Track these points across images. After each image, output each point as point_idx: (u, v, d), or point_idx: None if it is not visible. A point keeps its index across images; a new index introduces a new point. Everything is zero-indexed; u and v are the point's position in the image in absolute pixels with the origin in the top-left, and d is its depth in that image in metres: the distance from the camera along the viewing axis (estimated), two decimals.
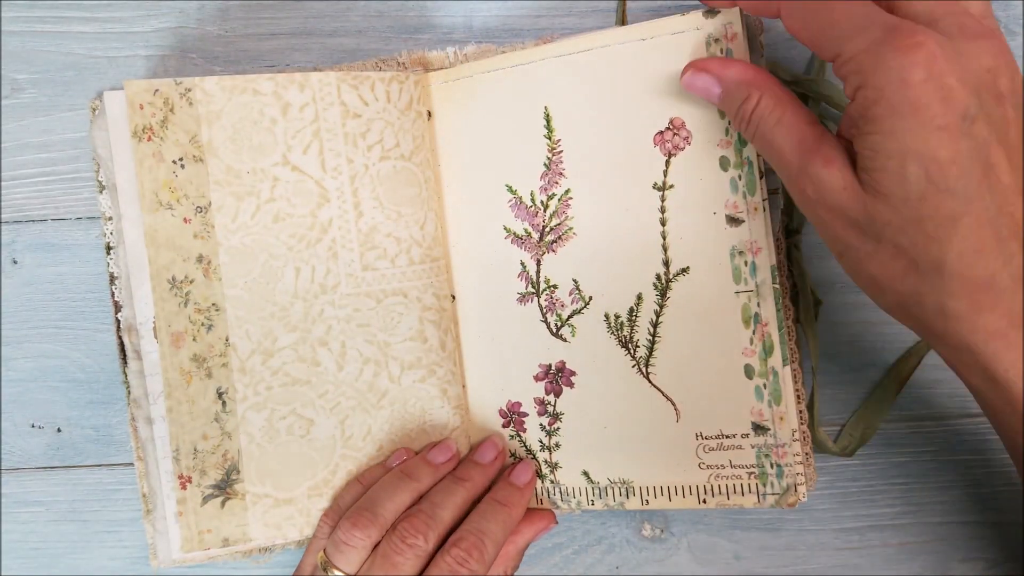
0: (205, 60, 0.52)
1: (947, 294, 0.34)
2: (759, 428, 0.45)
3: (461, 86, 0.49)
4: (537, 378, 0.49)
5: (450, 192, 0.50)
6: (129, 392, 0.48)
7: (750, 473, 0.45)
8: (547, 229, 0.48)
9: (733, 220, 0.44)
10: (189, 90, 0.46)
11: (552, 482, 0.49)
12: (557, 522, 0.49)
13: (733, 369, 0.45)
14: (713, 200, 0.44)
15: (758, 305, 0.44)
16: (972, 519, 0.52)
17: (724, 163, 0.44)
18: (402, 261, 0.48)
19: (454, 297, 0.50)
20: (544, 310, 0.49)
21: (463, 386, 0.50)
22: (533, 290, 0.49)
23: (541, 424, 0.49)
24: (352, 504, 0.46)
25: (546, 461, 0.49)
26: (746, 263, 0.44)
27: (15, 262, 0.52)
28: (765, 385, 0.44)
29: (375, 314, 0.48)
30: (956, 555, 0.52)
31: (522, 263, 0.49)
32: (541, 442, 0.49)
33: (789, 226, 0.50)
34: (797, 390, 0.48)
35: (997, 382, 0.35)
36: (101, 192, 0.48)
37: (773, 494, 0.44)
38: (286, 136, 0.47)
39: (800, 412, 0.49)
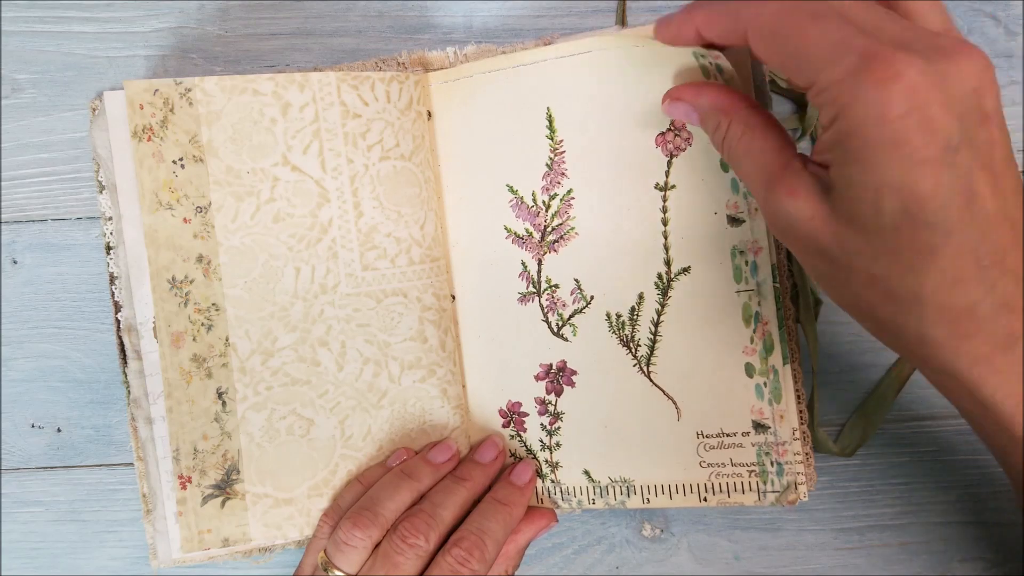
0: (205, 60, 0.52)
1: (926, 323, 0.33)
2: (759, 426, 0.45)
3: (461, 86, 0.49)
4: (538, 377, 0.49)
5: (450, 192, 0.50)
6: (129, 392, 0.48)
7: (751, 471, 0.45)
8: (549, 229, 0.48)
9: (734, 220, 0.44)
10: (189, 90, 0.46)
11: (553, 481, 0.49)
12: (557, 520, 0.49)
13: (734, 368, 0.45)
14: (714, 200, 0.44)
15: (759, 304, 0.44)
16: (972, 519, 0.52)
17: (724, 164, 0.44)
18: (402, 261, 0.48)
19: (454, 297, 0.50)
20: (545, 310, 0.48)
21: (463, 386, 0.50)
22: (534, 290, 0.49)
23: (542, 424, 0.49)
24: (353, 504, 0.46)
25: (547, 461, 0.49)
26: (747, 262, 0.44)
27: (15, 262, 0.52)
28: (766, 383, 0.45)
29: (375, 314, 0.48)
30: (956, 555, 0.52)
31: (523, 263, 0.49)
32: (542, 441, 0.49)
33: None
34: (797, 390, 0.48)
35: (985, 406, 0.34)
36: (101, 192, 0.48)
37: (773, 492, 0.45)
38: (286, 136, 0.47)
39: (800, 412, 0.49)
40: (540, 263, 0.48)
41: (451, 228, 0.50)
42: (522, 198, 0.48)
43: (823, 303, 0.51)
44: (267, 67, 0.52)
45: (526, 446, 0.50)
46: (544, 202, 0.48)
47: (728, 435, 0.45)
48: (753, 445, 0.45)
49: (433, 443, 0.49)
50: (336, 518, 0.46)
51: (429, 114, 0.50)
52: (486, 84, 0.48)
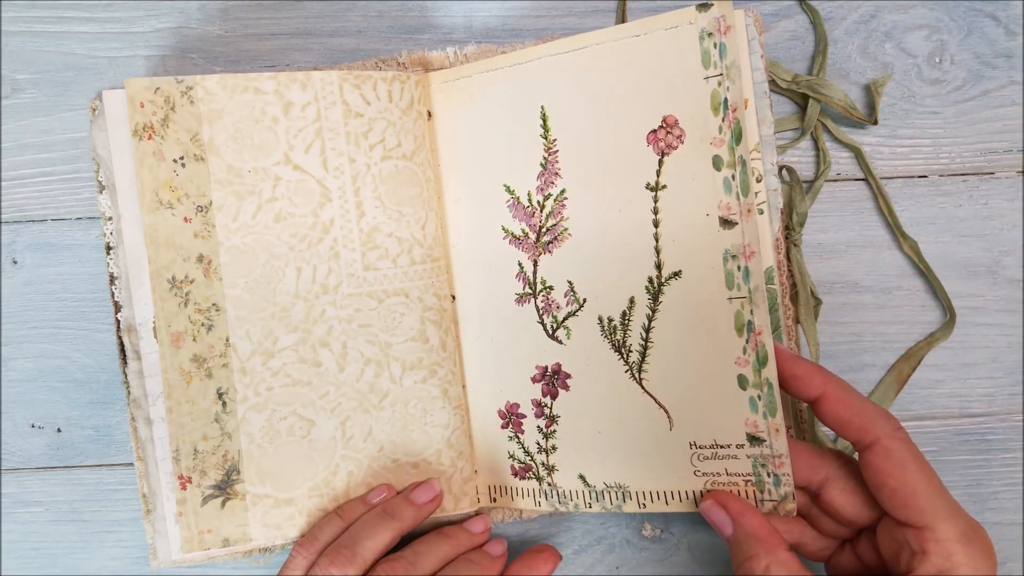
0: (205, 60, 0.52)
1: None
2: (754, 439, 0.43)
3: (460, 86, 0.49)
4: (534, 380, 0.49)
5: (450, 192, 0.50)
6: (129, 392, 0.48)
7: (747, 481, 0.44)
8: (543, 230, 0.48)
9: (726, 222, 0.43)
10: (190, 88, 0.46)
11: (549, 484, 0.49)
12: (561, 557, 0.49)
13: (726, 378, 0.43)
14: (706, 201, 0.43)
15: (751, 313, 0.42)
16: None
17: (717, 162, 0.43)
18: (403, 261, 0.48)
19: (454, 297, 0.50)
20: (540, 311, 0.48)
21: (463, 386, 0.50)
22: (530, 291, 0.48)
23: (538, 426, 0.49)
24: (331, 539, 0.46)
25: (543, 463, 0.49)
26: (739, 268, 0.43)
27: (15, 262, 0.52)
28: (760, 396, 0.43)
29: (376, 314, 0.48)
30: None
31: (520, 264, 0.48)
32: (538, 444, 0.49)
33: (789, 225, 0.50)
34: None
35: None
36: (101, 192, 0.48)
37: (771, 500, 0.43)
38: (288, 135, 0.47)
39: (800, 412, 0.49)
40: (536, 264, 0.48)
41: (451, 228, 0.50)
42: (518, 198, 0.48)
43: (823, 303, 0.51)
44: (267, 67, 0.52)
45: (523, 448, 0.49)
46: (539, 202, 0.48)
47: (722, 447, 0.44)
48: (748, 457, 0.44)
49: (416, 483, 0.49)
50: (310, 551, 0.46)
51: (429, 114, 0.50)
52: (485, 84, 0.48)
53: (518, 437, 0.49)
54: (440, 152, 0.50)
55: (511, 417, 0.49)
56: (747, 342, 0.43)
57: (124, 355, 0.48)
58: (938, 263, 0.52)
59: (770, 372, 0.42)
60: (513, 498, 0.50)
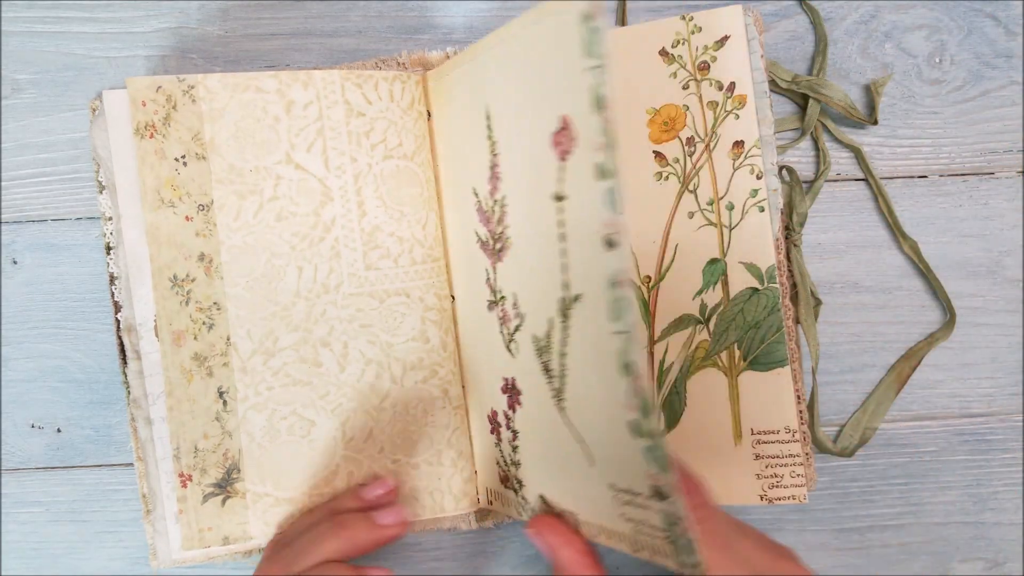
0: (205, 60, 0.52)
1: None
2: (659, 494, 0.35)
3: (445, 84, 0.48)
4: (502, 390, 0.46)
5: (446, 192, 0.50)
6: (129, 392, 0.48)
7: (664, 536, 0.36)
8: (497, 236, 0.44)
9: (609, 243, 0.34)
10: (192, 87, 0.46)
11: (523, 498, 0.47)
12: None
13: (622, 422, 0.36)
14: (595, 215, 0.35)
15: (630, 352, 0.34)
16: (972, 519, 0.52)
17: (600, 171, 0.34)
18: (404, 261, 0.48)
19: (454, 297, 0.50)
20: (500, 321, 0.45)
21: (463, 386, 0.50)
22: (493, 299, 0.46)
23: (508, 437, 0.47)
24: (295, 537, 0.46)
25: (515, 476, 0.47)
26: (619, 298, 0.35)
27: (15, 262, 0.52)
28: (652, 447, 0.35)
29: (377, 314, 0.48)
30: (956, 555, 0.52)
31: (486, 270, 0.46)
32: (510, 456, 0.47)
33: (789, 225, 0.50)
34: (797, 390, 0.49)
35: None
36: (101, 192, 0.48)
37: (689, 564, 0.36)
38: (289, 134, 0.47)
39: (800, 412, 0.49)
40: (495, 271, 0.45)
41: (448, 228, 0.50)
42: (481, 202, 0.45)
43: (823, 303, 0.51)
44: (267, 67, 0.52)
45: (503, 455, 0.48)
46: (490, 207, 0.44)
47: (636, 494, 0.37)
48: (658, 512, 0.36)
49: (393, 506, 0.47)
50: (274, 546, 0.46)
51: (429, 114, 0.50)
52: (455, 82, 0.47)
53: (499, 445, 0.48)
54: (438, 152, 0.50)
55: (494, 424, 0.48)
56: (631, 384, 0.35)
57: (124, 355, 0.48)
58: (938, 263, 0.52)
59: (653, 424, 0.34)
60: (504, 504, 0.49)
